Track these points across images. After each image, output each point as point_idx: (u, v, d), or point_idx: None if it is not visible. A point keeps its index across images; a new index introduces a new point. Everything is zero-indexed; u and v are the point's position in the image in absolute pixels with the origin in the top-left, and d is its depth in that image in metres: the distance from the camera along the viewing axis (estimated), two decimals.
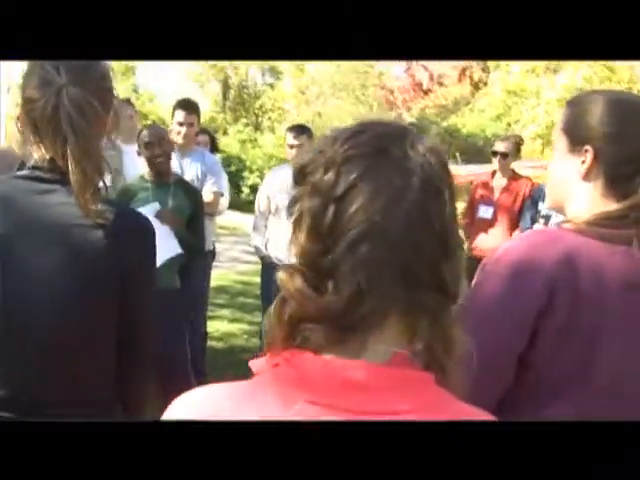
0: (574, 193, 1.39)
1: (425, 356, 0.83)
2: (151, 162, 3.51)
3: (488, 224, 5.17)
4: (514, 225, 5.11)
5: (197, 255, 4.00)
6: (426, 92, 18.24)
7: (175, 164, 4.27)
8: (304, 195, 0.79)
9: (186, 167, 4.41)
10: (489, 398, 1.26)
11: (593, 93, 1.46)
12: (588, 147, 1.37)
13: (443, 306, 0.81)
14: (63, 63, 1.49)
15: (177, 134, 4.30)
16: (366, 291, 0.74)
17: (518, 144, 5.40)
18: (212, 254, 5.18)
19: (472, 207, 5.40)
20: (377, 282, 0.74)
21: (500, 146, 5.36)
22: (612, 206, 1.31)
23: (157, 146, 3.49)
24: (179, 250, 3.38)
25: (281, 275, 0.78)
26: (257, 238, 5.06)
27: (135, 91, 11.93)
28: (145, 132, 3.59)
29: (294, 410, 0.77)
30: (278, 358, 0.79)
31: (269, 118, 23.41)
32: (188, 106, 4.40)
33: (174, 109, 4.43)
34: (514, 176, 5.41)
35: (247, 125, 22.05)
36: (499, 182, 5.41)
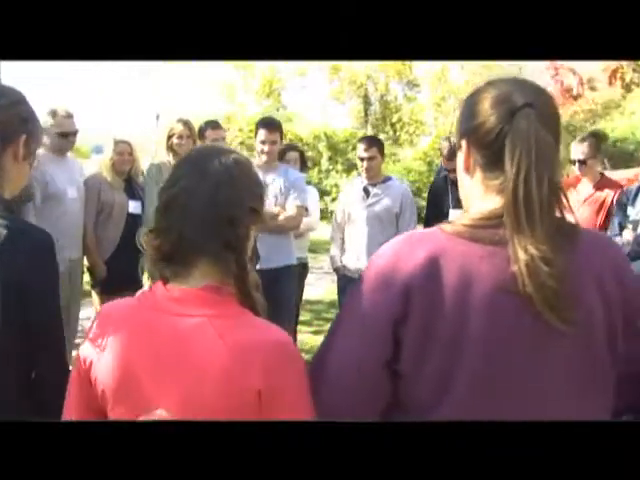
0: (465, 193, 1.36)
1: (236, 288, 1.27)
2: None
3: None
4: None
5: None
6: (576, 97, 17.46)
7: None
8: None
9: (269, 183, 4.50)
10: (363, 407, 1.23)
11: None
12: (463, 141, 1.32)
13: (235, 255, 1.25)
14: None
15: (260, 152, 4.52)
16: (183, 238, 1.24)
17: (597, 144, 4.67)
18: (304, 267, 5.41)
19: None
20: (191, 233, 1.24)
21: (577, 152, 4.66)
22: (490, 204, 1.23)
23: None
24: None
25: (143, 232, 1.30)
26: (333, 249, 5.22)
27: (277, 110, 12.30)
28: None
29: (148, 315, 1.26)
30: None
31: (407, 132, 23.35)
32: (270, 124, 4.53)
33: (257, 128, 4.56)
34: (600, 183, 4.72)
35: (387, 139, 21.92)
36: (585, 190, 4.75)
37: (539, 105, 1.22)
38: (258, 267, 4.40)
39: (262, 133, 4.48)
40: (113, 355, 1.25)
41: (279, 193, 4.55)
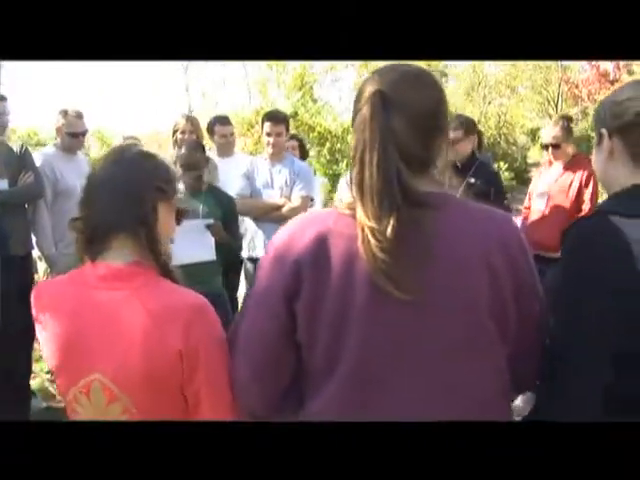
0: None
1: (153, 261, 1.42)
2: (187, 182, 3.77)
3: (542, 216, 4.64)
4: (567, 217, 4.37)
5: (235, 258, 4.27)
6: (612, 82, 17.07)
7: (265, 171, 4.61)
8: None
9: (275, 174, 4.62)
10: (269, 374, 1.32)
11: None
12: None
13: (146, 229, 1.40)
14: None
15: (267, 144, 4.65)
16: (101, 221, 1.40)
17: (569, 127, 4.62)
18: None
19: (529, 198, 4.92)
20: (107, 216, 1.40)
21: (549, 136, 4.64)
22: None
23: (193, 169, 3.78)
24: (213, 257, 3.71)
25: (70, 222, 1.49)
26: None
27: (304, 105, 12.47)
28: (182, 155, 3.81)
29: (78, 291, 1.40)
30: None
31: None
32: (275, 117, 4.65)
33: (262, 121, 4.69)
34: (570, 163, 4.69)
35: None
36: (556, 172, 4.73)
37: None
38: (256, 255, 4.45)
39: (267, 126, 4.59)
40: (49, 331, 1.40)
41: (284, 184, 4.63)
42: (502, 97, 20.83)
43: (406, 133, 1.21)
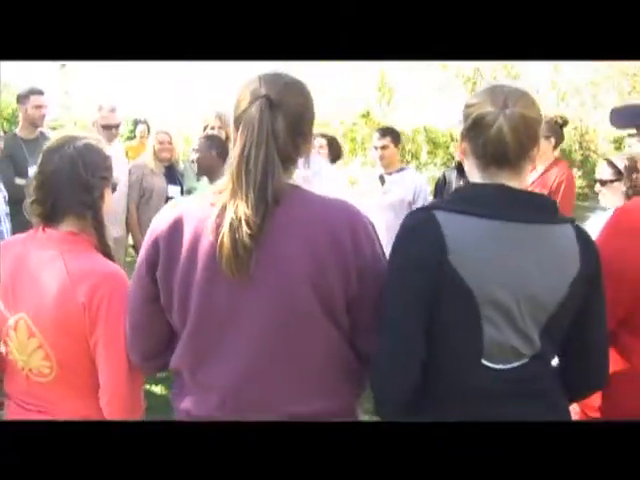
0: None
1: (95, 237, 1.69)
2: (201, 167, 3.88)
3: None
4: None
5: None
6: None
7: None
8: None
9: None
10: (145, 336, 1.55)
11: None
12: None
13: (92, 211, 1.67)
14: None
15: None
16: (53, 205, 1.65)
17: (552, 126, 4.50)
18: None
19: None
20: (59, 200, 1.65)
21: None
22: None
23: (207, 173, 3.85)
24: None
25: (26, 204, 1.71)
26: None
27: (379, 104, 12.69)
28: (196, 158, 3.91)
29: (25, 247, 1.70)
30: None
31: None
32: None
33: None
34: (549, 165, 4.56)
35: None
36: (535, 174, 4.56)
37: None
38: None
39: None
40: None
41: (302, 182, 4.59)
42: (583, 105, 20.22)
43: (285, 135, 1.37)
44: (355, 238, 1.39)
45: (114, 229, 4.44)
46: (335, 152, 5.74)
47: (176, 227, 1.41)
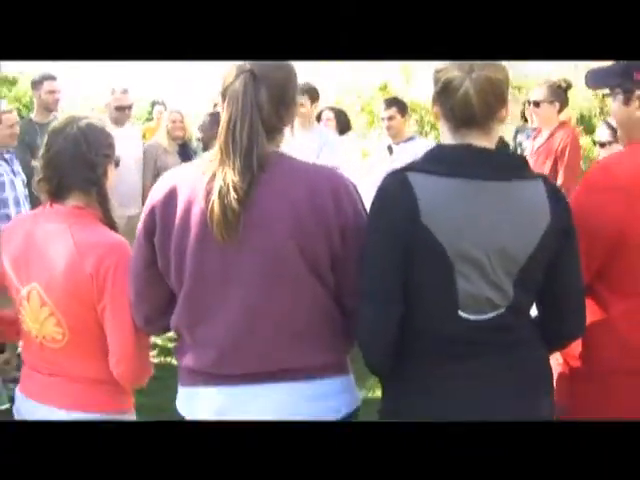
0: None
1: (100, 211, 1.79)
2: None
3: None
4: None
5: None
6: None
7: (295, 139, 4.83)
8: None
9: (302, 144, 4.72)
10: (147, 300, 1.63)
11: None
12: None
13: (97, 187, 1.77)
14: None
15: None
16: (60, 182, 1.74)
17: (556, 90, 4.33)
18: None
19: None
20: (65, 178, 1.74)
21: (533, 93, 4.44)
22: None
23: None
24: None
25: (35, 182, 1.83)
26: None
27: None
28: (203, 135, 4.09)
29: (34, 222, 1.83)
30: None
31: None
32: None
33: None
34: (554, 129, 4.39)
35: None
36: (541, 139, 4.47)
37: None
38: None
39: None
40: (8, 252, 1.81)
41: (310, 153, 4.72)
42: None
43: (268, 106, 1.44)
44: (337, 200, 1.45)
45: (131, 207, 4.63)
46: (343, 124, 5.87)
47: (170, 195, 1.49)
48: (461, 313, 1.45)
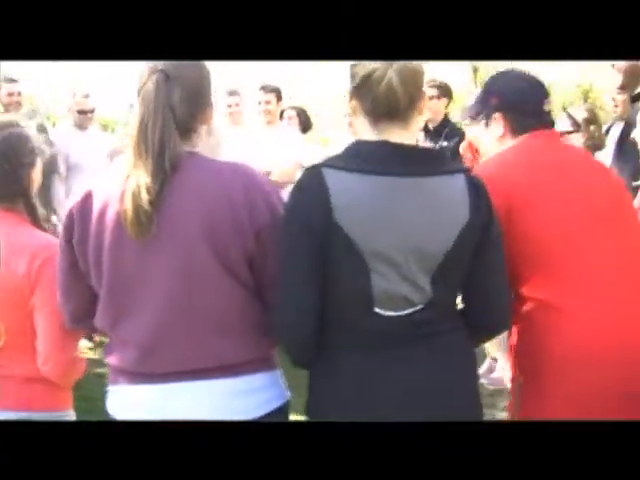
0: None
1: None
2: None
3: None
4: None
5: None
6: None
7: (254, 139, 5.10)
8: None
9: (266, 140, 5.10)
10: (74, 299, 1.63)
11: None
12: None
13: (24, 198, 1.81)
14: None
15: (259, 113, 5.36)
16: None
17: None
18: None
19: None
20: None
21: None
22: None
23: None
24: None
25: None
26: None
27: None
28: None
29: None
30: None
31: None
32: (264, 87, 5.33)
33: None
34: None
35: None
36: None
37: None
38: None
39: (259, 94, 5.30)
40: None
41: (273, 150, 4.94)
42: None
43: (181, 107, 1.44)
44: (250, 197, 1.45)
45: None
46: (305, 123, 6.15)
47: (87, 198, 1.51)
48: (377, 309, 1.44)
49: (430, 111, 4.68)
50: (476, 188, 1.48)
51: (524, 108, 1.76)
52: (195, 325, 1.47)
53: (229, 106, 5.49)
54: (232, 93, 5.58)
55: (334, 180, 1.41)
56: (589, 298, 1.67)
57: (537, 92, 1.80)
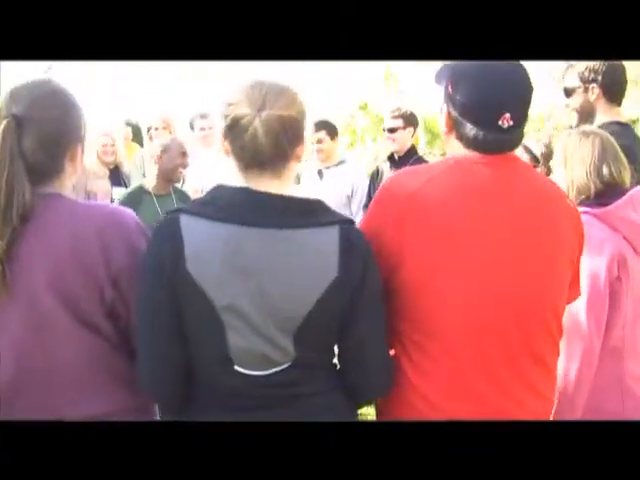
0: None
1: None
2: (169, 172, 3.62)
3: None
4: None
5: None
6: None
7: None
8: None
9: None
10: None
11: None
12: None
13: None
14: None
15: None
16: None
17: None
18: None
19: None
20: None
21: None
22: None
23: (180, 157, 3.64)
24: None
25: None
26: None
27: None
28: (169, 143, 3.68)
29: None
30: None
31: None
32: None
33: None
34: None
35: None
36: None
37: None
38: None
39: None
40: None
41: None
42: None
43: (36, 151, 1.39)
44: (103, 240, 1.40)
45: None
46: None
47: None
48: (237, 368, 1.36)
49: (396, 142, 4.60)
50: (350, 243, 1.36)
51: (475, 117, 1.41)
52: (52, 379, 1.42)
53: (202, 129, 5.27)
54: (203, 116, 5.38)
55: (189, 227, 1.33)
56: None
57: (497, 103, 1.40)
